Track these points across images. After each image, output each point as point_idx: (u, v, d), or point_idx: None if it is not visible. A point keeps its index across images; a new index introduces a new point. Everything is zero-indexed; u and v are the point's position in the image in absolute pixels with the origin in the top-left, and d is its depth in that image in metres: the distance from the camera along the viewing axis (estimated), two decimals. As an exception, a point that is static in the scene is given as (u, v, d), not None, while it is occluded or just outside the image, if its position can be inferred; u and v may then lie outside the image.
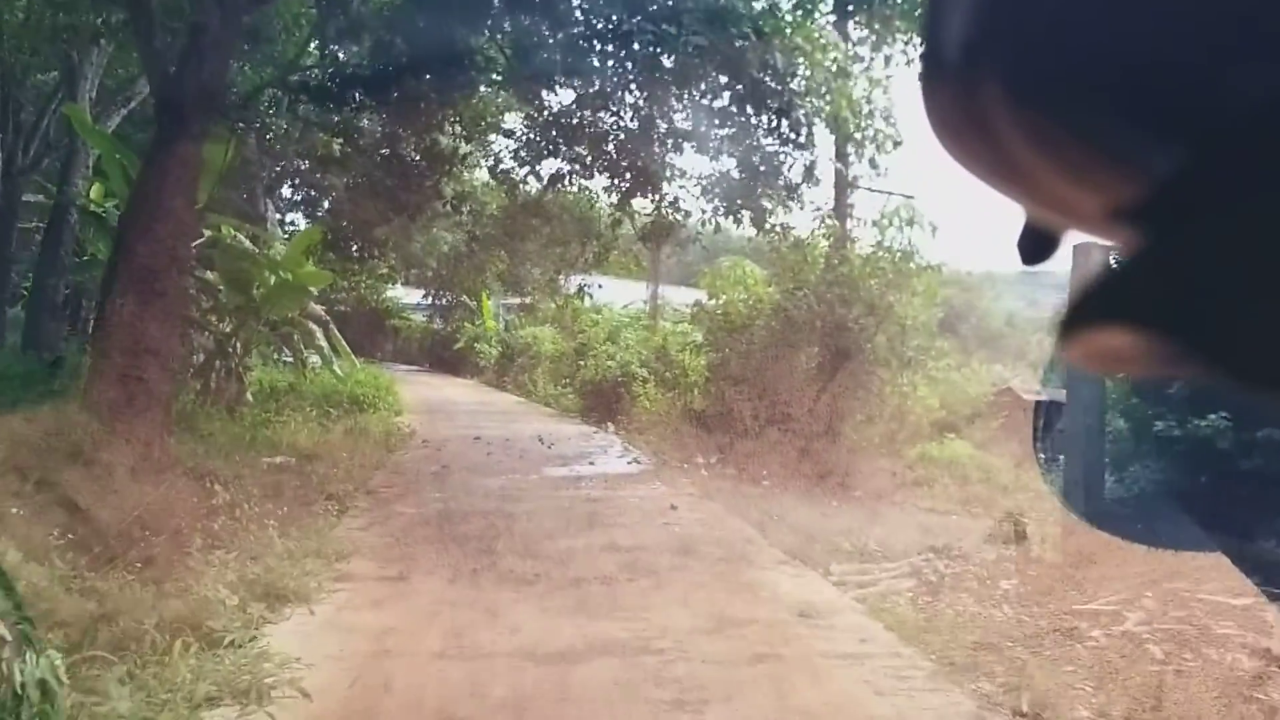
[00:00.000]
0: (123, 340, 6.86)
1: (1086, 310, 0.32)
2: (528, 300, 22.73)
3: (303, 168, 14.55)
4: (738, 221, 9.77)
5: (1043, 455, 8.81)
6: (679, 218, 10.03)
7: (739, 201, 9.55)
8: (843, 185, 10.45)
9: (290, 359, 13.65)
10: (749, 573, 5.58)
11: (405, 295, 30.15)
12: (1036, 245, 0.38)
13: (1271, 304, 0.27)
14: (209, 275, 11.47)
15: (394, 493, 7.61)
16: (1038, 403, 9.41)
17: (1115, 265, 0.32)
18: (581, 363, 15.15)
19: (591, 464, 9.72)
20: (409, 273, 27.88)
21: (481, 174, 13.01)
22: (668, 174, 9.62)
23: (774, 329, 10.76)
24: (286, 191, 16.92)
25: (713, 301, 11.51)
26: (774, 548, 6.09)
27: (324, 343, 13.19)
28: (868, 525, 6.83)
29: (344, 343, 13.58)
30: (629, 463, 9.92)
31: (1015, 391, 10.96)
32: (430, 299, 27.53)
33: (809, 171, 9.48)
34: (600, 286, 19.78)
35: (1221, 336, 0.28)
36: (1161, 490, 6.14)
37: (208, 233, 11.51)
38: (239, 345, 11.49)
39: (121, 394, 6.62)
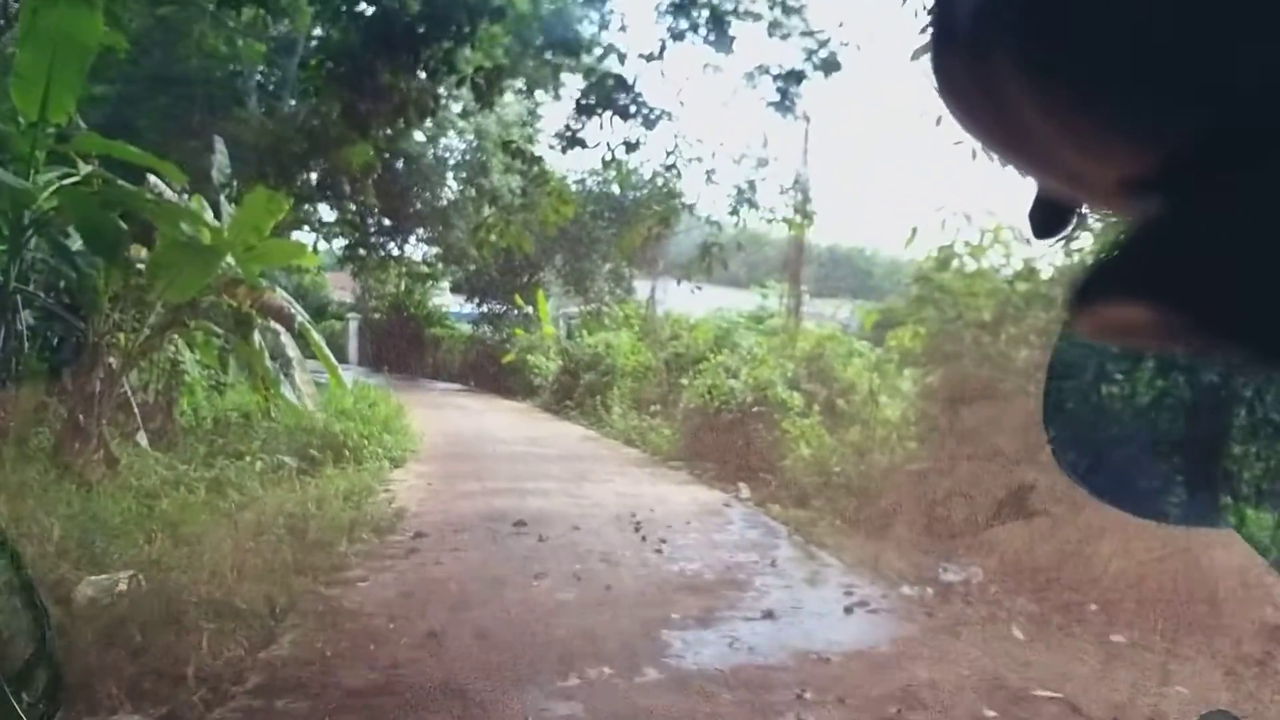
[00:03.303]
0: None
1: (1098, 283, 0.30)
2: (592, 307, 18.03)
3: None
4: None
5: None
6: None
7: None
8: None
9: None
10: None
11: (455, 305, 25.83)
12: (1048, 217, 0.37)
13: None
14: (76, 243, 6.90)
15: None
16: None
17: (1127, 237, 0.30)
18: (682, 380, 10.14)
19: (766, 611, 4.33)
20: (455, 274, 23.49)
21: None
22: None
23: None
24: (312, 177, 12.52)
25: (943, 274, 6.40)
26: None
27: (293, 351, 8.51)
28: None
29: (326, 350, 8.85)
30: (842, 603, 4.58)
31: None
32: (478, 303, 22.92)
33: None
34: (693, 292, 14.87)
35: (1234, 310, 0.27)
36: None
37: (85, 169, 7.05)
38: (124, 350, 6.83)
39: None
